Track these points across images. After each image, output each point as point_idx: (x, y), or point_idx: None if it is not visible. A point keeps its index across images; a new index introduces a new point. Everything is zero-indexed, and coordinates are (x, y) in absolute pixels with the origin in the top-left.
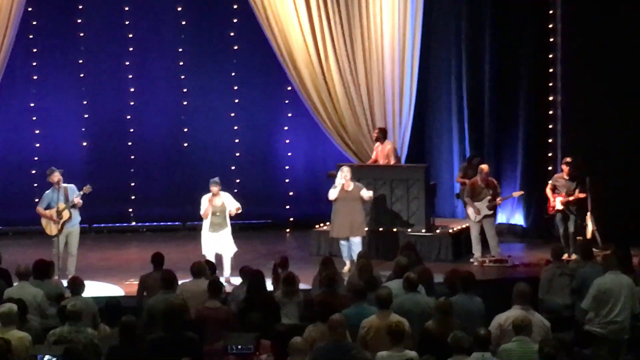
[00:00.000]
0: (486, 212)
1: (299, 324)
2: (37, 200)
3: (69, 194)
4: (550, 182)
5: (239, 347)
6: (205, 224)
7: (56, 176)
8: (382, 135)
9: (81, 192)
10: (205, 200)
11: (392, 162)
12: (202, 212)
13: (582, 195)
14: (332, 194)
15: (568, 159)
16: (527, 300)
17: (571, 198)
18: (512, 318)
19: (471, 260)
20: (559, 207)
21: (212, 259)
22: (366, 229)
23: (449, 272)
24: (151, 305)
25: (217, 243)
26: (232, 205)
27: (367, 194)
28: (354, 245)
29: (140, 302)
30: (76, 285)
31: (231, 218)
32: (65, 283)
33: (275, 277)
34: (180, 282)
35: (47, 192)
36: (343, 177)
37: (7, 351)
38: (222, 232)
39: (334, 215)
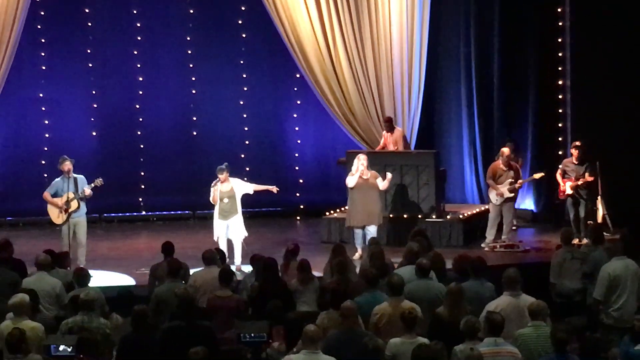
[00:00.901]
0: (507, 194)
1: (316, 311)
2: None
3: (79, 185)
4: (560, 166)
5: (252, 335)
6: (216, 210)
7: (67, 165)
8: (390, 125)
9: (92, 185)
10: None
11: (401, 148)
12: (210, 199)
13: (590, 179)
14: (351, 181)
15: (577, 143)
16: (517, 285)
17: (580, 182)
18: (502, 305)
19: (482, 245)
20: (569, 191)
21: (224, 246)
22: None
23: (456, 258)
24: (158, 294)
25: (228, 230)
26: (245, 188)
27: (382, 184)
28: (370, 235)
29: (152, 291)
30: (82, 277)
31: (241, 206)
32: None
33: (285, 264)
34: (192, 271)
35: (56, 179)
36: (360, 164)
37: (22, 340)
38: (232, 219)
39: (351, 204)
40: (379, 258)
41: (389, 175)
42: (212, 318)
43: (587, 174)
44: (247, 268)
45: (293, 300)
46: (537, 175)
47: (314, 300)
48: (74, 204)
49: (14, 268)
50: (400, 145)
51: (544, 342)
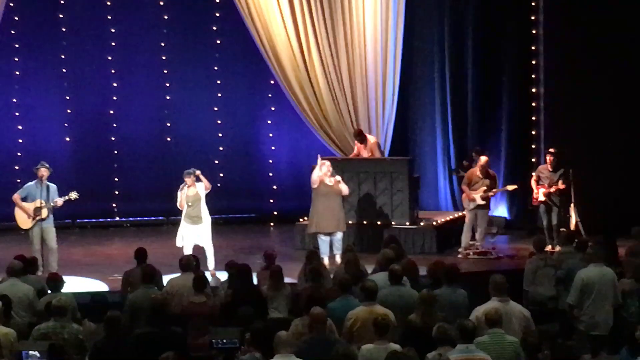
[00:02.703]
0: (479, 201)
1: (285, 318)
2: None
3: (50, 193)
4: (534, 173)
5: (224, 341)
6: (183, 215)
7: (41, 171)
8: (361, 137)
9: (66, 197)
10: (179, 191)
11: (377, 156)
12: (177, 204)
13: (562, 187)
14: (314, 178)
15: (551, 150)
16: (504, 291)
17: (552, 189)
18: (487, 311)
19: (459, 250)
20: (542, 198)
21: (189, 251)
22: (349, 222)
23: (431, 265)
24: (132, 300)
25: (195, 236)
26: (203, 189)
27: (345, 188)
28: (337, 242)
29: (125, 297)
30: (55, 282)
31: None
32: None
33: (263, 271)
34: (169, 277)
35: (29, 183)
36: (327, 171)
37: None
38: (200, 225)
39: (315, 210)
40: (354, 265)
41: (338, 177)
42: (186, 324)
43: (560, 182)
44: (221, 273)
45: (266, 307)
46: (510, 187)
47: (284, 307)
48: (44, 212)
49: None
50: (376, 153)
51: (502, 350)
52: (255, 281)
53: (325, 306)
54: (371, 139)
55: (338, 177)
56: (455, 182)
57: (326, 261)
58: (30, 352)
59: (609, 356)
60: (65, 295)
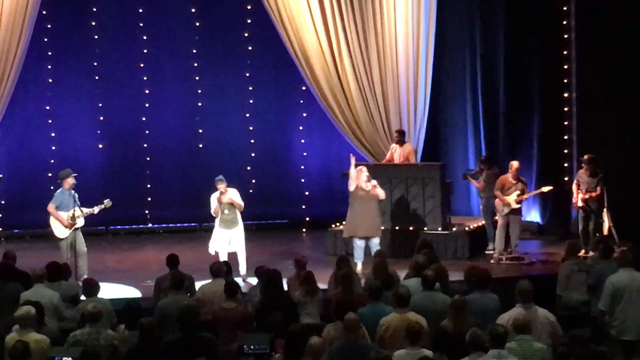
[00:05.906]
0: (514, 205)
1: (320, 323)
2: None
3: (77, 200)
4: (575, 178)
5: (254, 346)
6: (217, 222)
7: (67, 182)
8: (402, 137)
9: (101, 206)
10: (214, 198)
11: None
12: (212, 211)
13: (597, 193)
14: (350, 185)
15: (586, 157)
16: (529, 297)
17: (587, 196)
18: (515, 317)
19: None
20: (580, 204)
21: (224, 257)
22: (382, 228)
23: (468, 269)
24: (162, 307)
25: (230, 240)
26: (238, 200)
27: (382, 193)
28: (375, 247)
29: (157, 303)
30: (90, 287)
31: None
32: (79, 284)
33: (295, 277)
34: (200, 283)
35: (59, 192)
36: (364, 176)
37: (26, 353)
38: (234, 230)
39: (351, 214)
40: (382, 270)
41: (374, 182)
42: (216, 330)
43: (598, 188)
44: (252, 279)
45: (296, 313)
46: (546, 189)
47: (317, 313)
48: (80, 221)
49: (17, 280)
50: (411, 159)
51: (530, 356)
52: (285, 287)
53: (355, 312)
54: (408, 145)
55: (374, 182)
56: (471, 187)
57: (359, 267)
58: (64, 359)
59: None
60: (101, 301)
